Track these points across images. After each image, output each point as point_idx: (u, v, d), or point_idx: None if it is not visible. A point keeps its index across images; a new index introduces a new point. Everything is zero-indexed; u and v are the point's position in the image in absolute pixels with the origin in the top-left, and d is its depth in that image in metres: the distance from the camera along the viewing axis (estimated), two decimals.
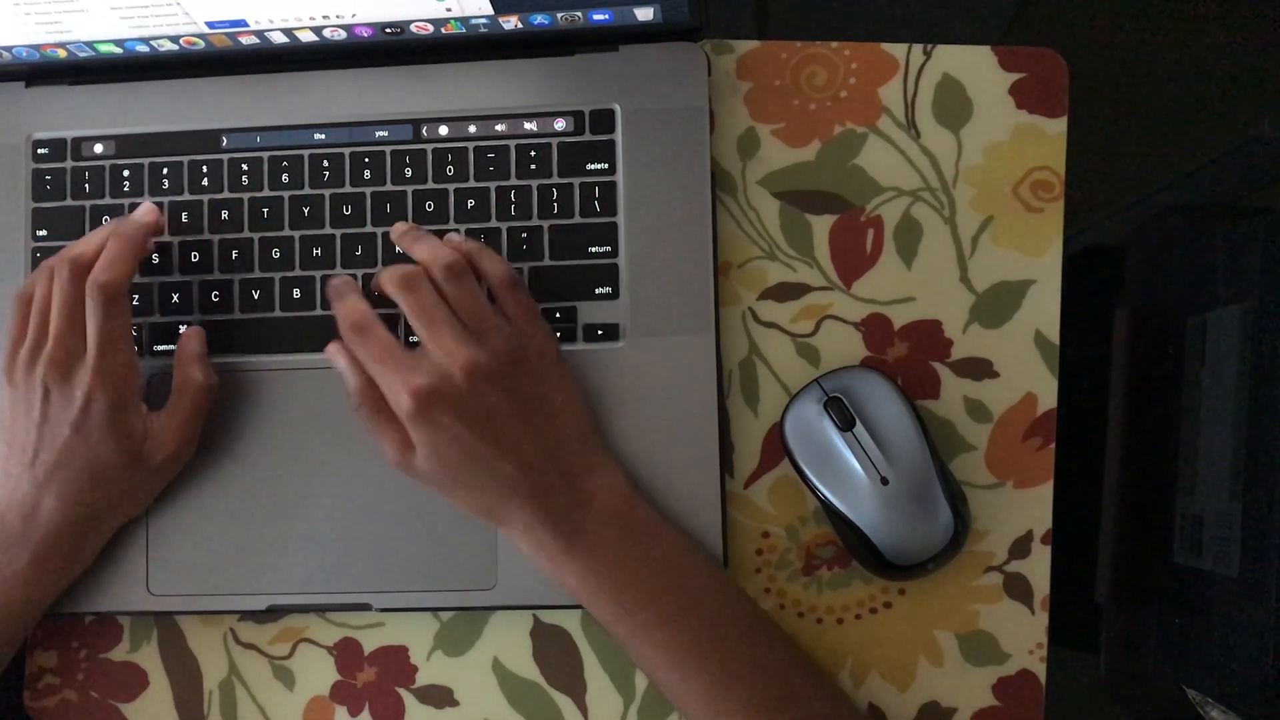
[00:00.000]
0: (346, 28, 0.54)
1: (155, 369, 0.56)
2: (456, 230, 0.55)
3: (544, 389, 0.51)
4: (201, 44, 0.55)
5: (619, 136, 0.55)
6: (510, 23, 0.54)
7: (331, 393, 0.55)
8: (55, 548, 0.52)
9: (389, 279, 0.51)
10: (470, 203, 0.55)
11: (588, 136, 0.55)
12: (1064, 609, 0.55)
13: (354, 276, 0.56)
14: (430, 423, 0.48)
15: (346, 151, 0.56)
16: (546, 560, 0.50)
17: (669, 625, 0.49)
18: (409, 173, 0.56)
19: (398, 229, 0.54)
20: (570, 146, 0.55)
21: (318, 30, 0.54)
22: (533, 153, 0.55)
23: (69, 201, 0.57)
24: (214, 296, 0.56)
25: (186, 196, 0.57)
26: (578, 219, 0.55)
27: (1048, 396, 0.55)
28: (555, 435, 0.50)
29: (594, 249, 0.55)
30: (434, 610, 0.56)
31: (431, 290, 0.50)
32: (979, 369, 0.55)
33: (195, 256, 0.56)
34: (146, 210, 0.54)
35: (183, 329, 0.55)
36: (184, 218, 0.57)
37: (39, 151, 0.58)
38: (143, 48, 0.55)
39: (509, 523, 0.50)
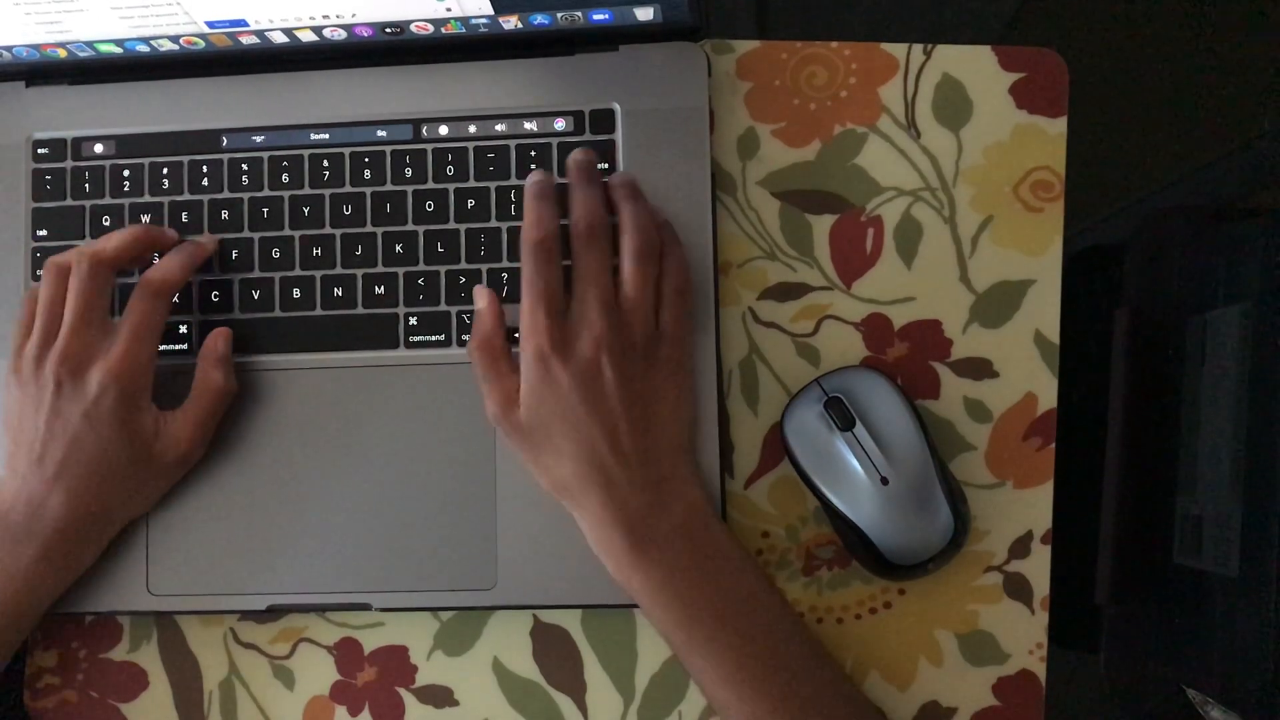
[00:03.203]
0: (346, 28, 0.54)
1: (156, 369, 0.55)
2: (457, 230, 0.55)
3: (660, 394, 0.50)
4: (201, 44, 0.55)
5: (619, 136, 0.55)
6: (510, 23, 0.54)
7: (331, 393, 0.55)
8: (61, 545, 0.52)
9: (582, 216, 0.50)
10: (470, 203, 0.56)
11: (588, 136, 0.55)
12: (1064, 609, 0.55)
13: (355, 276, 0.56)
14: (547, 374, 0.49)
15: (346, 151, 0.56)
16: (611, 560, 0.50)
17: (727, 648, 0.49)
18: (409, 173, 0.56)
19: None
20: (570, 146, 0.55)
21: (318, 30, 0.54)
22: (533, 153, 0.55)
23: (69, 201, 0.57)
24: (214, 296, 0.56)
25: (186, 196, 0.57)
26: None
27: (1048, 396, 0.55)
28: (653, 439, 0.50)
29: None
30: (434, 610, 0.56)
31: (608, 251, 0.50)
32: (979, 369, 0.55)
33: None
34: (212, 239, 0.56)
35: (185, 325, 0.56)
36: (184, 218, 0.57)
37: (39, 151, 0.58)
38: (143, 48, 0.55)
39: (581, 507, 0.50)
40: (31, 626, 0.54)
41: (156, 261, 0.54)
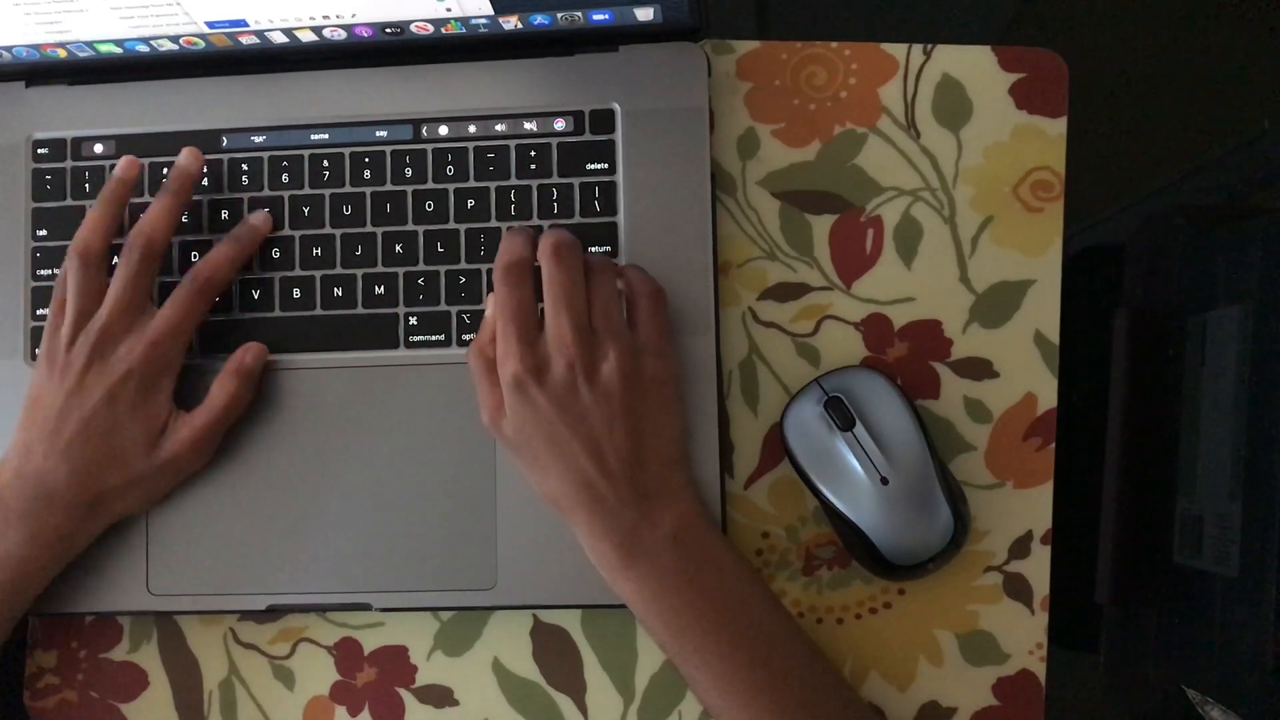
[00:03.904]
0: (346, 28, 0.54)
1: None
2: (457, 230, 0.55)
3: (644, 409, 0.50)
4: (201, 44, 0.55)
5: (619, 136, 0.55)
6: (510, 23, 0.54)
7: (331, 393, 0.55)
8: (56, 524, 0.52)
9: (546, 237, 0.50)
10: (470, 203, 0.56)
11: (588, 136, 0.55)
12: (1064, 609, 0.55)
13: (355, 276, 0.56)
14: (525, 397, 0.49)
15: (346, 151, 0.56)
16: (605, 570, 0.50)
17: (719, 656, 0.49)
18: (409, 173, 0.56)
19: (551, 239, 0.51)
20: (570, 146, 0.55)
21: (318, 30, 0.54)
22: (533, 153, 0.55)
23: (69, 201, 0.57)
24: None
25: None
26: (578, 219, 0.55)
27: (1048, 396, 0.55)
28: (640, 454, 0.50)
29: (594, 249, 0.55)
30: (434, 610, 0.56)
31: (579, 270, 0.50)
32: (979, 369, 0.55)
33: (195, 256, 0.56)
34: (263, 218, 0.56)
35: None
36: (184, 218, 0.57)
37: (39, 151, 0.58)
38: (143, 48, 0.55)
39: (573, 521, 0.50)
40: (22, 612, 0.53)
41: (211, 254, 0.54)
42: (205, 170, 0.56)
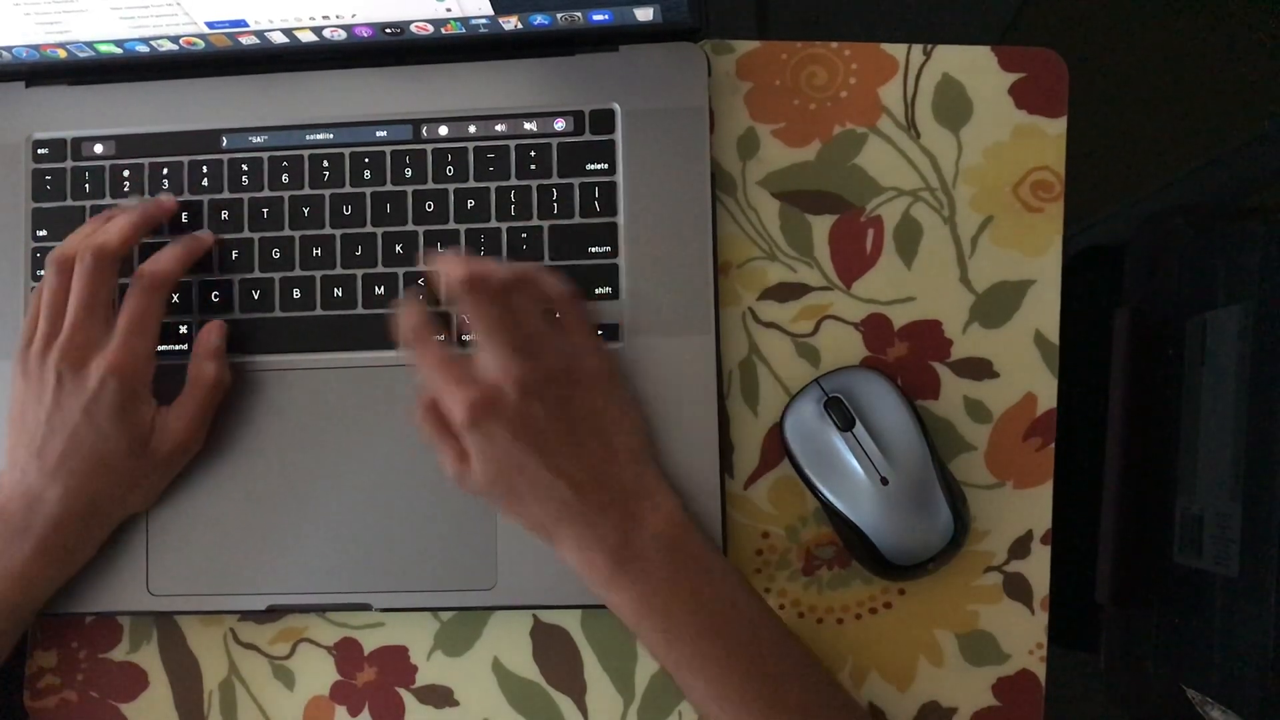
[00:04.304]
0: (346, 28, 0.54)
1: (157, 368, 0.55)
2: (457, 231, 0.55)
3: (597, 407, 0.50)
4: (201, 44, 0.55)
5: (619, 136, 0.55)
6: (510, 23, 0.54)
7: (331, 393, 0.55)
8: (58, 538, 0.52)
9: (455, 273, 0.49)
10: (470, 203, 0.56)
11: (588, 136, 0.55)
12: (1064, 609, 0.55)
13: (355, 276, 0.56)
14: (483, 433, 0.48)
15: (346, 151, 0.56)
16: (598, 582, 0.50)
17: (711, 660, 0.48)
18: (409, 173, 0.56)
19: (450, 263, 0.51)
20: (570, 146, 0.55)
21: (318, 30, 0.54)
22: (532, 153, 0.55)
23: (69, 201, 0.57)
24: (214, 297, 0.56)
25: (186, 196, 0.57)
26: (578, 219, 0.55)
27: (1047, 396, 0.55)
28: (607, 454, 0.50)
29: (594, 249, 0.55)
30: (434, 610, 0.56)
31: (493, 296, 0.49)
32: (979, 369, 0.55)
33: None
34: (209, 235, 0.56)
35: (185, 325, 0.56)
36: (184, 218, 0.57)
37: (39, 151, 0.58)
38: (143, 48, 0.55)
39: (561, 540, 0.50)
40: (29, 622, 0.54)
41: (154, 254, 0.54)
42: (179, 207, 0.56)
